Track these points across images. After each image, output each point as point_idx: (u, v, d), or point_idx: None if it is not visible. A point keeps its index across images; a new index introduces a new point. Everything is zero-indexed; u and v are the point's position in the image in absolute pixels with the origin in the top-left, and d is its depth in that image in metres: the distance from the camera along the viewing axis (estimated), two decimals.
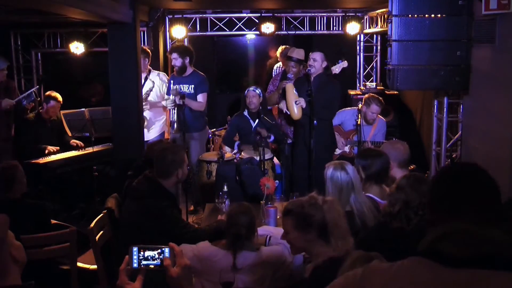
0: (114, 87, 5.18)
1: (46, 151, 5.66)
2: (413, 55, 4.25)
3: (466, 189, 1.30)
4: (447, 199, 1.30)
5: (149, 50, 6.04)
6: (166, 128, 6.10)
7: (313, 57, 4.96)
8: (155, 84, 5.85)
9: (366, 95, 5.44)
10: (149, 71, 5.92)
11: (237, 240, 2.59)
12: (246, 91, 5.30)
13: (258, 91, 5.25)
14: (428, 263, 1.20)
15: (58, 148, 5.78)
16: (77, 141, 5.99)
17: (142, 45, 6.42)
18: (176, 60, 5.54)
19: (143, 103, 5.67)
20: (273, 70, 6.76)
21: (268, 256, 2.63)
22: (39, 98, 6.05)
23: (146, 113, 5.79)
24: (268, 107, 5.87)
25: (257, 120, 5.35)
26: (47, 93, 5.99)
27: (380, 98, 5.27)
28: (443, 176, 1.39)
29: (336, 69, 5.41)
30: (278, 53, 6.64)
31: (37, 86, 6.82)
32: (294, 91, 4.91)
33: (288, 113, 5.02)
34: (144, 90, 5.75)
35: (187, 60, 5.57)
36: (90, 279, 3.46)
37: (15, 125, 5.95)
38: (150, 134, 5.82)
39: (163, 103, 5.83)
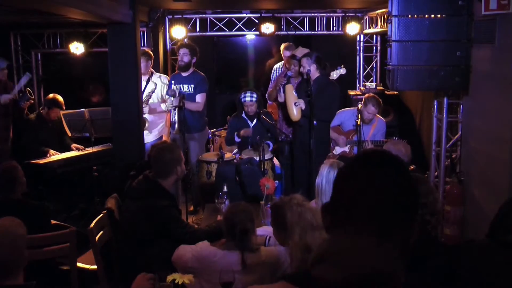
0: (114, 88, 5.18)
1: (48, 155, 5.67)
2: (413, 56, 4.25)
3: (365, 186, 0.99)
4: (341, 198, 1.02)
5: (151, 53, 6.05)
6: (166, 131, 6.11)
7: (302, 64, 5.02)
8: (157, 86, 5.86)
9: (366, 95, 5.46)
10: (151, 74, 5.94)
11: (244, 235, 2.58)
12: (241, 98, 5.28)
13: (254, 98, 5.24)
14: None
15: (59, 153, 5.79)
16: (78, 146, 6.00)
17: (145, 48, 6.45)
18: (186, 56, 5.57)
19: (144, 106, 5.68)
20: (273, 70, 6.77)
21: (268, 256, 2.63)
22: (33, 97, 6.03)
23: (146, 116, 5.80)
24: (269, 102, 5.90)
25: (255, 120, 5.36)
26: (51, 96, 5.96)
27: (379, 99, 5.27)
28: (348, 166, 1.06)
29: (334, 75, 5.43)
30: (281, 49, 6.64)
31: (26, 77, 6.58)
32: (294, 93, 4.92)
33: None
34: (146, 92, 5.76)
35: (193, 60, 5.63)
36: (90, 279, 3.46)
37: (15, 125, 5.95)
38: (149, 137, 5.83)
39: (163, 106, 5.84)
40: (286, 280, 1.04)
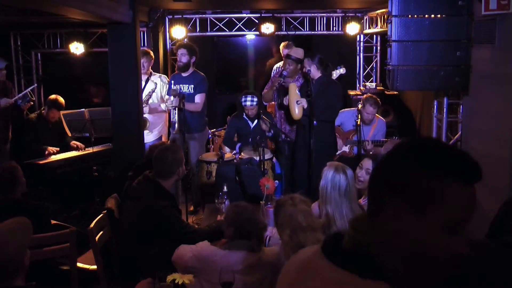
0: (114, 88, 5.19)
1: (46, 152, 5.67)
2: (413, 56, 4.24)
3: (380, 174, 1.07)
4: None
5: (152, 54, 6.05)
6: (165, 131, 6.11)
7: (304, 65, 5.04)
8: (157, 86, 5.86)
9: (364, 95, 5.47)
10: (150, 74, 5.94)
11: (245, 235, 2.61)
12: (242, 101, 5.28)
13: (255, 102, 5.24)
14: (321, 255, 1.08)
15: (58, 149, 5.79)
16: (77, 143, 6.00)
17: (146, 48, 6.45)
18: (184, 56, 5.55)
19: (144, 106, 5.68)
20: (273, 70, 6.77)
21: (268, 256, 2.63)
22: (34, 98, 6.02)
23: (147, 116, 5.80)
24: (264, 103, 5.88)
25: (255, 121, 5.37)
26: (53, 97, 5.96)
27: (377, 99, 5.28)
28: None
29: (334, 75, 5.44)
30: (281, 48, 6.65)
31: (34, 85, 6.77)
32: (297, 92, 4.92)
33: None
34: (146, 91, 5.76)
35: (193, 60, 5.61)
36: (90, 280, 3.46)
37: (15, 126, 5.95)
38: (149, 137, 5.84)
39: (163, 106, 5.85)
40: (321, 248, 1.11)
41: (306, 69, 4.96)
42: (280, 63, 6.59)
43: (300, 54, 5.26)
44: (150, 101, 5.83)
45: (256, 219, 2.72)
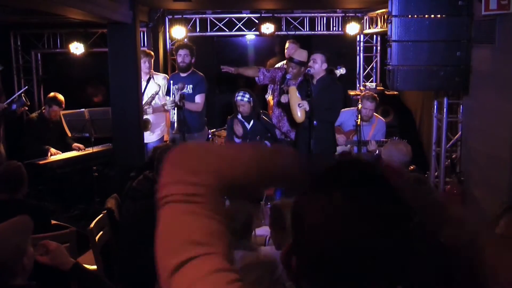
0: (114, 88, 5.19)
1: (49, 154, 5.67)
2: (413, 56, 4.24)
3: None
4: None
5: (152, 54, 6.04)
6: (166, 131, 6.11)
7: (313, 57, 4.96)
8: (160, 88, 5.86)
9: (362, 93, 5.50)
10: (151, 74, 5.93)
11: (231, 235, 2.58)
12: (235, 97, 5.28)
13: (246, 98, 5.21)
14: None
15: (60, 152, 5.79)
16: (79, 145, 6.01)
17: (145, 48, 6.44)
18: (186, 57, 5.58)
19: (147, 107, 5.68)
20: (275, 66, 6.75)
21: (266, 256, 2.63)
22: (29, 103, 6.00)
23: (149, 117, 5.80)
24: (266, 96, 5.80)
25: (251, 122, 5.33)
26: (52, 95, 5.96)
27: (375, 95, 5.30)
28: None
29: None
30: (286, 46, 6.62)
31: (25, 88, 6.70)
32: (298, 94, 4.91)
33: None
34: (150, 93, 5.76)
35: (193, 60, 5.63)
36: None
37: (10, 128, 5.94)
38: (151, 137, 5.83)
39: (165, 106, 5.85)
40: None
41: (316, 63, 4.90)
42: (282, 62, 6.57)
43: (304, 57, 5.16)
44: (153, 102, 5.83)
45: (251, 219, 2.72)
